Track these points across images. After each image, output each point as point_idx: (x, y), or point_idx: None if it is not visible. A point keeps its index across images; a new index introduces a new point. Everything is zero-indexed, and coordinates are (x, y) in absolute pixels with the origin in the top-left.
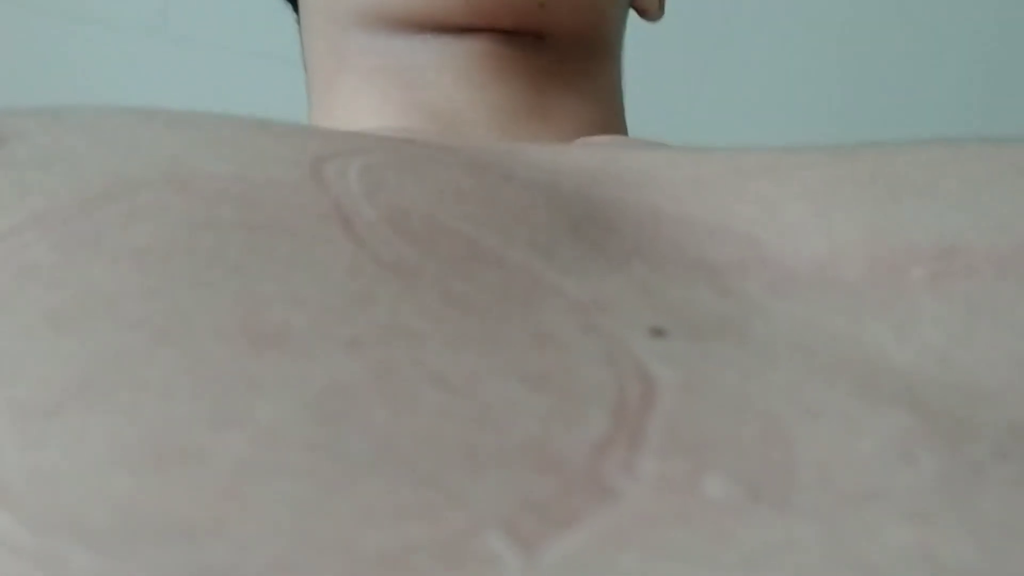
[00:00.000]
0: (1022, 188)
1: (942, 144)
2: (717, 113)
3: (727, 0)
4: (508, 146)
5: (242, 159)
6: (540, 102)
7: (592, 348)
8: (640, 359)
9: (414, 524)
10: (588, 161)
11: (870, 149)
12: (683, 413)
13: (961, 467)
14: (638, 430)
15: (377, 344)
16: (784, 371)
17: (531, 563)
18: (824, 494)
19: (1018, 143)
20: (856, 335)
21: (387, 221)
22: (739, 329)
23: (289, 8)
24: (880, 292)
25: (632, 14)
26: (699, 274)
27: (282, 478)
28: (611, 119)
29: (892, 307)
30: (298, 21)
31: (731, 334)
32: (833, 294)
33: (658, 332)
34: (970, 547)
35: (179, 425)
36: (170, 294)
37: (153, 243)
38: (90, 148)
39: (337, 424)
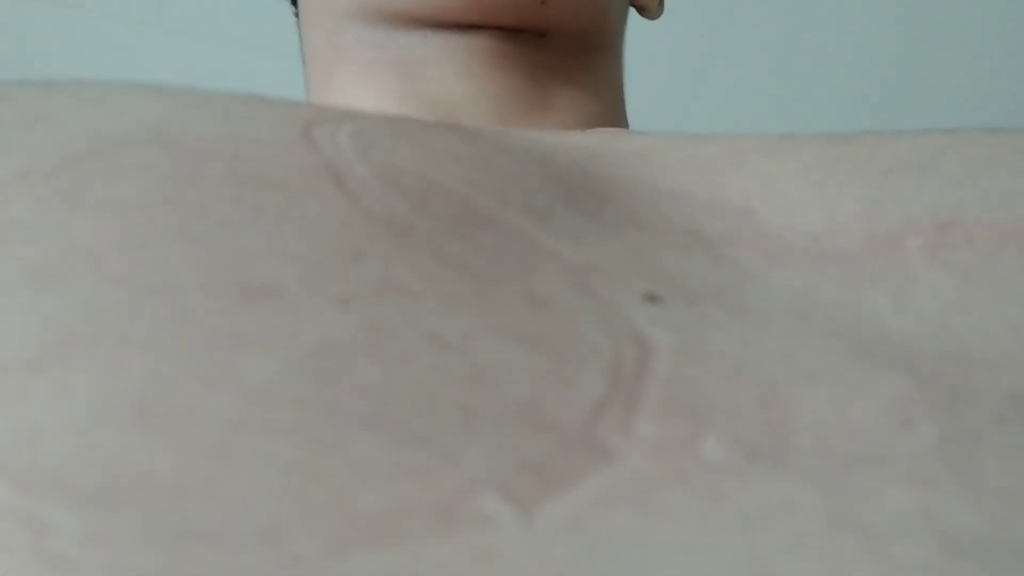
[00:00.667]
0: (1021, 167)
1: (941, 130)
2: (713, 111)
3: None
4: (501, 129)
5: (231, 121)
6: (540, 96)
7: (587, 311)
8: (635, 323)
9: (407, 484)
10: (584, 140)
11: (868, 134)
12: (679, 377)
13: (960, 433)
14: (634, 393)
15: (370, 301)
16: (781, 336)
17: (527, 525)
18: (822, 457)
19: (1018, 129)
20: (852, 303)
21: (379, 178)
22: (734, 296)
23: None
24: (877, 262)
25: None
26: (694, 243)
27: (272, 437)
28: (612, 113)
29: (889, 276)
30: (296, 12)
31: (727, 301)
32: (829, 264)
33: (653, 298)
34: (971, 511)
35: (166, 382)
36: (155, 248)
37: (137, 198)
38: (75, 110)
39: (329, 382)
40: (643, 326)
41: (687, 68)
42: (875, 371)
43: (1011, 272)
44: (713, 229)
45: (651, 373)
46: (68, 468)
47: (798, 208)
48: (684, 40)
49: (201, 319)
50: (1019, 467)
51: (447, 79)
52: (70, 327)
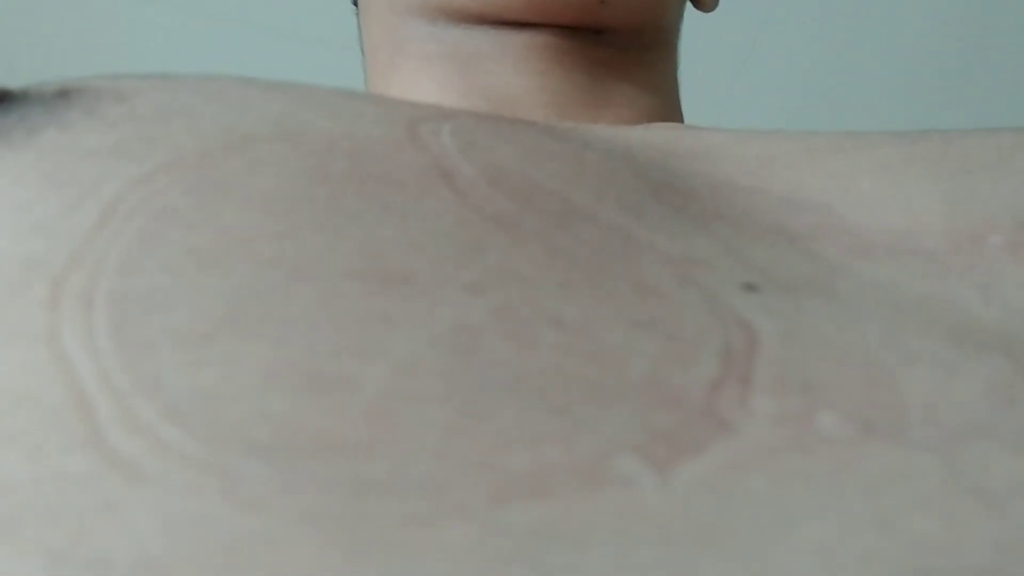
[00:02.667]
0: None
1: (1008, 130)
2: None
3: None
4: (575, 124)
5: (343, 119)
6: (598, 91)
7: (691, 299)
8: (739, 310)
9: (551, 448)
10: (655, 138)
11: (935, 132)
12: (787, 358)
13: None
14: (747, 372)
15: (494, 288)
16: (877, 322)
17: (666, 484)
18: (934, 428)
19: None
20: (941, 296)
21: (485, 177)
22: (826, 287)
23: None
24: (961, 259)
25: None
26: (779, 237)
27: (425, 404)
28: (668, 108)
29: (974, 272)
30: (355, 5)
31: (819, 291)
32: (914, 260)
33: (751, 287)
34: None
35: (326, 354)
36: (298, 237)
37: (275, 191)
38: (204, 104)
39: (467, 357)
40: (747, 312)
41: (728, 56)
42: (974, 353)
43: None
44: (795, 224)
45: (760, 354)
46: (248, 425)
47: (877, 206)
48: (727, 28)
49: (348, 300)
50: None
51: (506, 74)
52: (235, 304)
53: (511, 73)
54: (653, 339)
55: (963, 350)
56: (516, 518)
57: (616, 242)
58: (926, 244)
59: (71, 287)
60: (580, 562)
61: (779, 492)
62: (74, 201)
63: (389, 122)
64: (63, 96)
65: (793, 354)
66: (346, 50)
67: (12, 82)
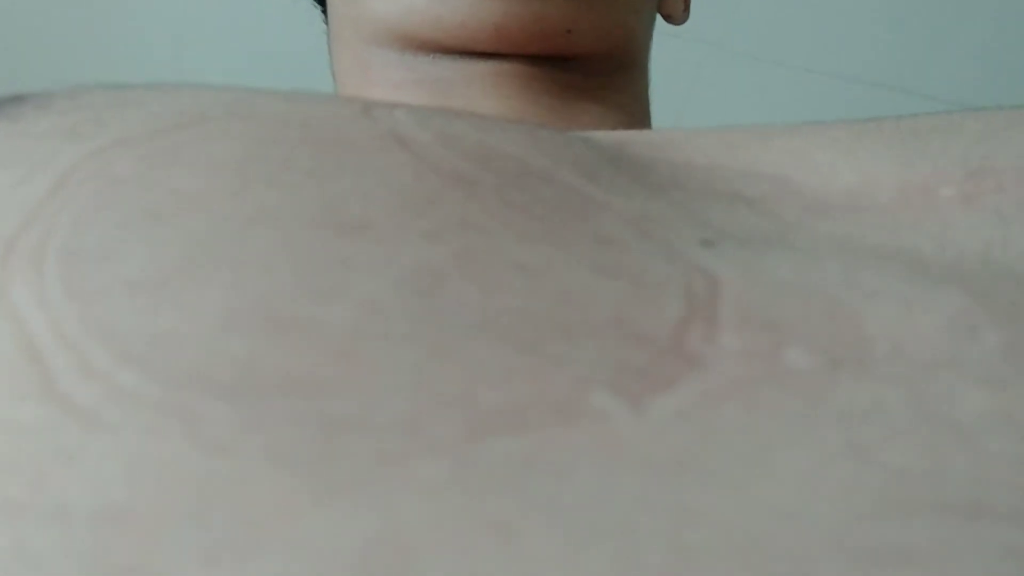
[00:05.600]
0: None
1: (961, 110)
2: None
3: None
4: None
5: (295, 103)
6: (567, 113)
7: (650, 250)
8: (699, 260)
9: (523, 384)
10: (614, 134)
11: (889, 116)
12: (750, 298)
13: (1021, 338)
14: (712, 312)
15: (453, 236)
16: (835, 265)
17: (640, 417)
18: (900, 363)
19: None
20: (894, 244)
21: (440, 142)
22: (782, 240)
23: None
24: (913, 211)
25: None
26: (736, 202)
27: (392, 342)
28: (638, 127)
29: (927, 222)
30: (327, 29)
31: (775, 244)
32: (867, 215)
33: (708, 242)
34: None
35: (284, 296)
36: (252, 193)
37: (227, 156)
38: (156, 96)
39: (431, 299)
40: (706, 262)
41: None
42: (932, 288)
43: None
44: (751, 191)
45: (723, 296)
46: (208, 365)
47: (831, 171)
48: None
49: (306, 246)
50: None
51: (475, 99)
52: (190, 252)
53: (479, 98)
54: (616, 282)
55: (921, 286)
56: (492, 453)
57: (573, 200)
58: (879, 200)
59: (22, 246)
60: (560, 492)
61: (753, 422)
62: (25, 174)
63: (342, 104)
64: (16, 99)
65: (755, 295)
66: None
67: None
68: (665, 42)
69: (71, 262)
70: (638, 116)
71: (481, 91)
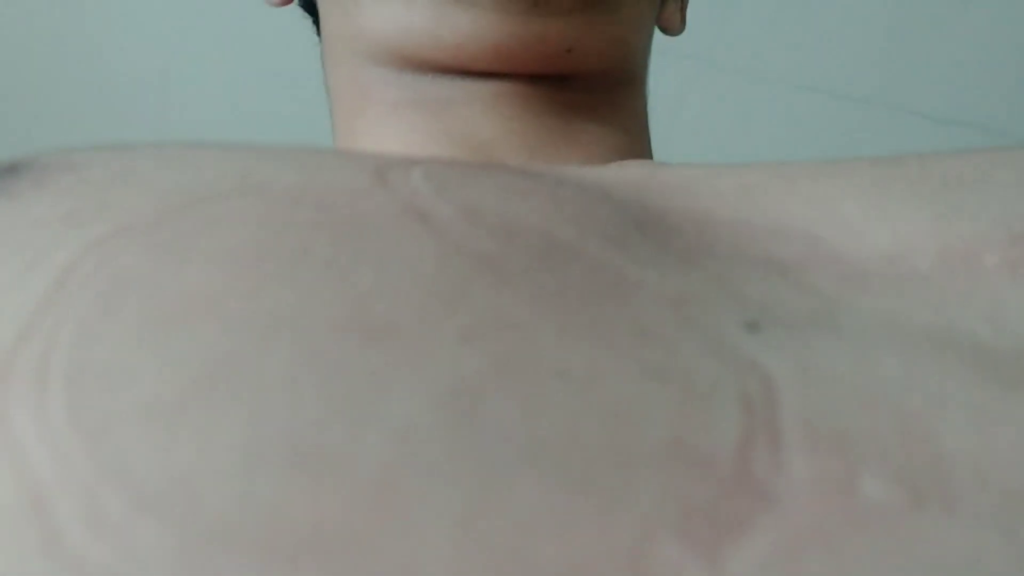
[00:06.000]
0: None
1: (984, 149)
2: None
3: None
4: (546, 166)
5: (306, 170)
6: (567, 132)
7: (694, 341)
8: (746, 351)
9: (583, 533)
10: (627, 175)
11: (911, 156)
12: (811, 406)
13: None
14: (774, 426)
15: (489, 336)
16: (893, 360)
17: (717, 573)
18: (987, 495)
19: None
20: (947, 326)
21: (462, 216)
22: (828, 321)
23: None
24: (958, 283)
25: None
26: (770, 271)
27: (432, 480)
28: (638, 145)
29: (975, 298)
30: (320, 46)
31: (823, 327)
32: (910, 288)
33: (753, 325)
34: None
35: (312, 423)
36: (269, 293)
37: (239, 246)
38: (160, 169)
39: (471, 423)
40: (755, 353)
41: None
42: (1004, 392)
43: None
44: (783, 255)
45: (782, 403)
46: (232, 516)
47: (863, 230)
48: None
49: (332, 358)
50: None
51: (474, 118)
52: (205, 369)
53: (479, 118)
54: (667, 390)
55: (991, 390)
56: None
57: (606, 280)
58: (919, 267)
59: (21, 363)
60: None
61: None
62: (23, 271)
63: (355, 170)
64: (11, 170)
65: (816, 401)
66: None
67: None
68: (651, 58)
69: (77, 383)
70: (637, 133)
71: (480, 111)
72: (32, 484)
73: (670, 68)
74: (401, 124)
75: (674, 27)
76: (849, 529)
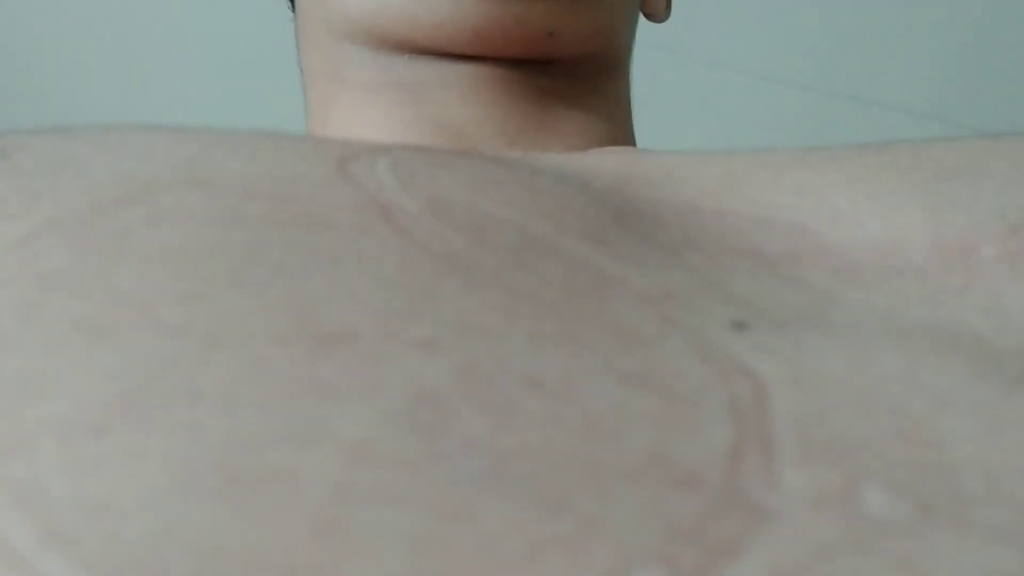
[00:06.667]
0: None
1: (975, 137)
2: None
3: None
4: (523, 154)
5: (262, 159)
6: (547, 119)
7: (678, 343)
8: (734, 353)
9: (555, 561)
10: (608, 163)
11: (901, 142)
12: (805, 411)
13: None
14: (765, 434)
15: (454, 344)
16: (890, 358)
17: None
18: (1000, 507)
19: None
20: (946, 322)
21: (429, 211)
22: (818, 318)
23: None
24: (955, 276)
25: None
26: (757, 264)
27: (387, 505)
28: (620, 132)
29: (974, 292)
30: (295, 25)
31: (812, 323)
32: (905, 282)
33: (740, 325)
34: None
35: (251, 442)
36: (211, 297)
37: (182, 244)
38: (99, 155)
39: (433, 437)
40: (743, 356)
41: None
42: (1010, 391)
43: None
44: (771, 248)
45: (774, 410)
46: (152, 549)
47: (854, 221)
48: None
49: (277, 370)
50: None
51: (452, 103)
52: (134, 384)
53: (457, 103)
54: (648, 398)
55: (995, 389)
56: None
57: (584, 278)
58: (914, 261)
59: None
60: None
61: None
62: None
63: (315, 159)
64: None
65: (811, 405)
66: None
67: None
68: None
69: None
70: (619, 121)
71: (458, 95)
72: None
73: (640, 58)
74: (376, 107)
75: (658, 13)
76: (851, 550)
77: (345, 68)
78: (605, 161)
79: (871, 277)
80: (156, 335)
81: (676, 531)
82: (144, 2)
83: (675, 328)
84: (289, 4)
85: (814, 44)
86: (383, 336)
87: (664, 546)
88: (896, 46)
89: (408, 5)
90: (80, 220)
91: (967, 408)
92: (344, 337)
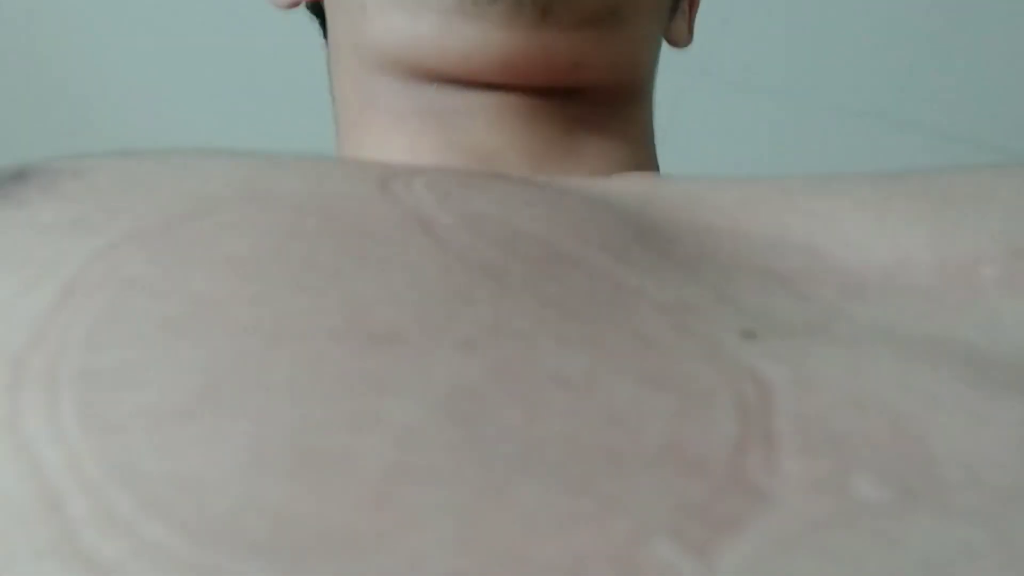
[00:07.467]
0: None
1: (986, 165)
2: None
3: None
4: (549, 178)
5: (310, 178)
6: (572, 145)
7: (692, 349)
8: (743, 359)
9: (580, 533)
10: (631, 187)
11: (913, 172)
12: (806, 409)
13: None
14: (768, 429)
15: (490, 344)
16: (887, 365)
17: (707, 570)
18: (978, 493)
19: None
20: (942, 336)
21: (464, 225)
22: (825, 330)
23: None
24: (956, 295)
25: None
26: (769, 281)
27: (434, 483)
28: (643, 158)
29: (972, 310)
30: (327, 53)
31: (820, 336)
32: (908, 299)
33: (749, 334)
34: None
35: (317, 427)
36: (274, 299)
37: (245, 253)
38: (165, 175)
39: (473, 425)
40: (752, 361)
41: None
42: (994, 394)
43: None
44: (783, 267)
45: (777, 407)
46: (237, 517)
47: (862, 243)
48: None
49: (335, 364)
50: None
51: (479, 131)
52: (213, 375)
53: (484, 130)
54: (664, 396)
55: (983, 392)
56: None
57: (606, 289)
58: (918, 280)
59: (33, 368)
60: None
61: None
62: (32, 279)
63: (358, 179)
64: (19, 176)
65: (811, 405)
66: None
67: None
68: None
69: (87, 388)
70: (642, 146)
71: (485, 123)
72: (45, 486)
73: (665, 80)
74: (406, 134)
75: (681, 40)
76: (840, 527)
77: (376, 97)
78: (628, 185)
79: (876, 294)
80: (229, 332)
81: (685, 508)
82: (179, 42)
83: (689, 335)
84: (322, 36)
85: (841, 65)
86: (426, 336)
87: (674, 521)
88: (926, 67)
89: (437, 36)
90: (155, 232)
91: (953, 408)
92: (392, 336)
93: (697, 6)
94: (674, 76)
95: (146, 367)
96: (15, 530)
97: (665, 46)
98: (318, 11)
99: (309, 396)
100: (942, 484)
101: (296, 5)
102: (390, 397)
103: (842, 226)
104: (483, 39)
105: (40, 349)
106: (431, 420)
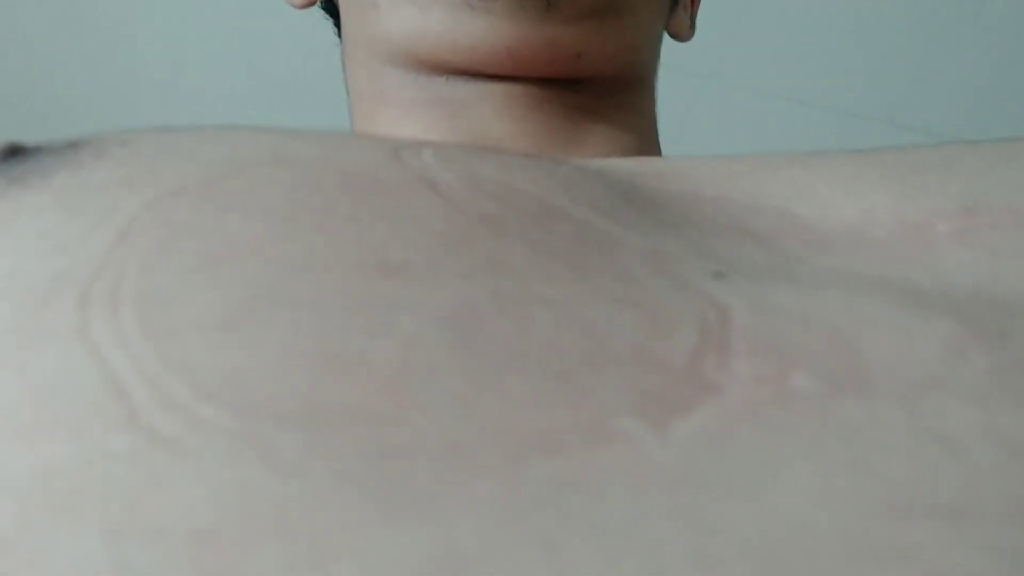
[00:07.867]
0: None
1: (958, 142)
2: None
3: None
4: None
5: (330, 148)
6: (577, 133)
7: (665, 285)
8: (710, 292)
9: (558, 410)
10: (623, 163)
11: (890, 148)
12: (758, 327)
13: (1009, 362)
14: (724, 340)
15: (487, 275)
16: (835, 295)
17: (663, 439)
18: (895, 383)
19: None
20: (892, 277)
21: (466, 184)
22: (786, 273)
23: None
24: (909, 246)
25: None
26: (743, 236)
27: (437, 375)
28: (646, 144)
29: (922, 256)
30: (341, 46)
31: (781, 276)
32: (866, 249)
33: (719, 275)
34: None
35: (338, 334)
36: (301, 239)
37: (275, 203)
38: (201, 144)
39: (470, 334)
40: (717, 294)
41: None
42: (926, 316)
43: None
44: (757, 226)
45: (734, 325)
46: (275, 399)
47: (832, 205)
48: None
49: (353, 287)
50: None
51: (486, 119)
52: (250, 295)
53: (491, 118)
54: (635, 314)
55: (916, 314)
56: (533, 474)
57: (591, 237)
58: (878, 234)
59: (97, 292)
60: (595, 509)
61: (765, 441)
62: (92, 224)
63: (373, 149)
64: (73, 146)
65: (763, 324)
66: None
67: None
68: (657, 75)
69: (144, 305)
70: (646, 134)
71: (492, 112)
72: (113, 379)
73: (674, 84)
74: (416, 123)
75: (682, 33)
76: (776, 408)
77: (388, 88)
78: (621, 162)
79: (839, 248)
80: (262, 264)
81: (648, 394)
82: (196, 36)
83: (664, 274)
84: (336, 31)
85: (850, 69)
86: (431, 268)
87: (638, 403)
88: (930, 71)
89: (446, 30)
90: (195, 188)
91: (887, 325)
92: (402, 267)
93: (699, 1)
94: (685, 79)
95: (192, 289)
96: (89, 412)
97: (672, 43)
98: (332, 10)
99: (331, 311)
100: (867, 377)
101: (311, 5)
102: (400, 312)
103: (815, 191)
104: (489, 32)
105: (102, 277)
106: (434, 329)
